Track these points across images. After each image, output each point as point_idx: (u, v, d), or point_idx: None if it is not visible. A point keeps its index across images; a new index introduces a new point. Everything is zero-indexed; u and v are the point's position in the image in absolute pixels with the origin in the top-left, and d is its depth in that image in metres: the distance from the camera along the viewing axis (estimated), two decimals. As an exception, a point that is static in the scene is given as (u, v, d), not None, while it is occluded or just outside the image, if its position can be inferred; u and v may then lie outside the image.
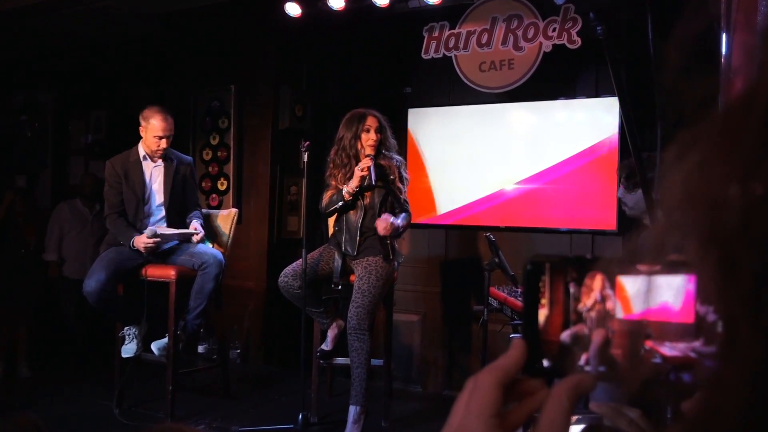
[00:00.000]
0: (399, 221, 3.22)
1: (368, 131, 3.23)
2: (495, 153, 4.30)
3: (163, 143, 3.51)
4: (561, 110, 4.17)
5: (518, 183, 4.22)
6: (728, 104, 0.30)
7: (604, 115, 3.98)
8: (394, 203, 3.30)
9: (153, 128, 3.47)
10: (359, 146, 3.23)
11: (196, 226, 3.59)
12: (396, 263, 3.42)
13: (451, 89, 4.48)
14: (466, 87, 4.30)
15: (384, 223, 3.15)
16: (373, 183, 3.14)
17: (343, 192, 3.21)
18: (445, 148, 4.45)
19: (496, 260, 3.19)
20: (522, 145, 4.23)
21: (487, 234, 3.31)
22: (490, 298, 3.30)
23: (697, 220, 0.31)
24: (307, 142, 3.30)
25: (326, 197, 3.33)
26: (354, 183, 3.18)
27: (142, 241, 3.40)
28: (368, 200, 3.27)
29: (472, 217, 4.34)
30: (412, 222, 4.32)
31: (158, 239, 3.41)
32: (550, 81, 4.11)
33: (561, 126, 4.16)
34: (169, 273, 3.43)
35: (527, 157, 4.20)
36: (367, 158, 3.16)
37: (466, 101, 4.39)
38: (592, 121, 4.05)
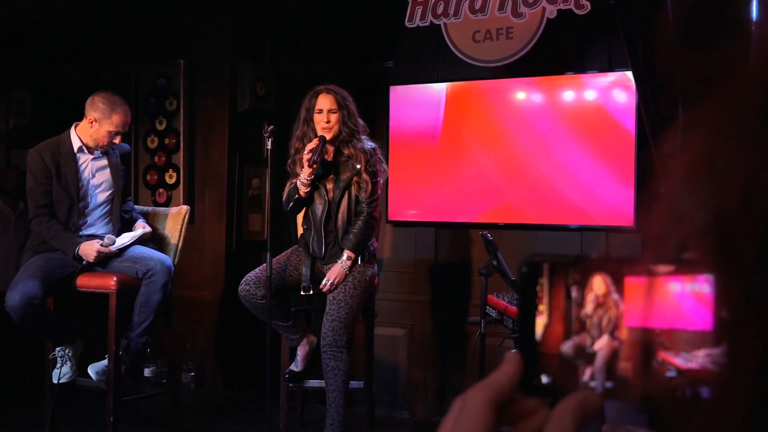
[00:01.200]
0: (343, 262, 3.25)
1: (320, 112, 3.25)
2: (492, 137, 4.33)
3: (118, 139, 3.55)
4: (568, 87, 4.20)
5: (519, 172, 4.25)
6: (736, 79, 0.31)
7: (619, 92, 4.01)
8: (356, 201, 3.31)
9: (109, 122, 3.48)
10: (312, 130, 3.27)
11: (142, 224, 3.61)
12: (376, 267, 3.45)
13: (439, 63, 4.49)
14: (457, 60, 4.32)
15: (333, 278, 3.23)
16: (316, 166, 3.16)
17: (297, 183, 3.24)
18: (433, 131, 4.47)
19: (495, 263, 3.23)
20: (523, 128, 4.25)
21: (484, 233, 3.33)
22: (488, 307, 3.33)
23: (701, 206, 0.32)
24: (271, 126, 3.31)
25: (287, 190, 3.36)
26: (305, 171, 3.19)
27: (94, 249, 3.40)
28: (331, 193, 3.30)
29: (465, 213, 4.38)
30: (396, 220, 4.46)
31: (114, 250, 3.45)
32: (555, 53, 4.14)
33: (569, 105, 4.19)
34: (108, 283, 3.43)
35: (529, 142, 4.23)
36: (315, 139, 3.19)
37: (458, 77, 4.40)
38: (605, 100, 4.09)
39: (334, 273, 3.23)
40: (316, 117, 3.25)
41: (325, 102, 3.25)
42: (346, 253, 3.26)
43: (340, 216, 3.31)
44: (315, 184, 3.28)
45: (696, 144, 0.33)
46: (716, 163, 0.32)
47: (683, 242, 0.36)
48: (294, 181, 3.30)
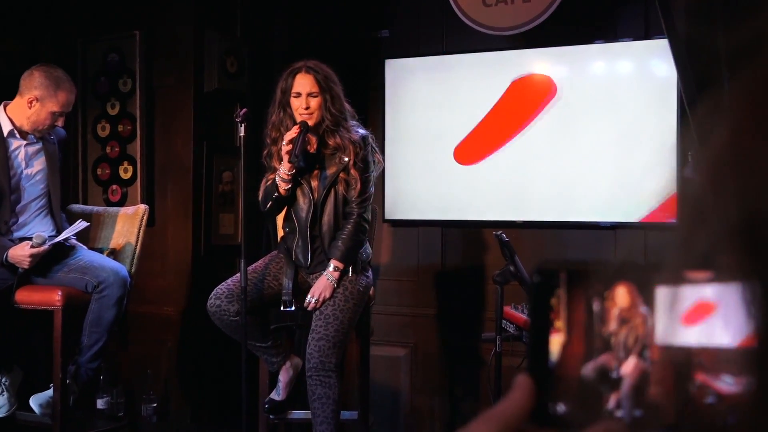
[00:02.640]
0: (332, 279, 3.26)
1: (298, 96, 3.25)
2: (507, 120, 4.33)
3: (61, 122, 3.56)
4: (598, 58, 4.21)
5: (541, 159, 4.27)
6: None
7: (657, 64, 4.01)
8: (344, 199, 3.32)
9: (54, 101, 3.49)
10: (289, 117, 3.27)
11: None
12: (370, 275, 3.46)
13: (444, 31, 4.50)
14: (465, 28, 4.31)
15: (318, 294, 3.24)
16: (298, 159, 3.17)
17: (276, 179, 3.23)
18: (437, 114, 4.47)
19: (512, 269, 3.24)
20: (545, 108, 4.24)
21: (499, 233, 3.35)
22: (504, 321, 3.35)
23: (730, 203, 0.32)
24: (244, 110, 3.31)
25: (263, 187, 3.36)
26: (285, 166, 3.20)
27: (26, 253, 3.38)
28: (316, 192, 3.31)
29: (477, 209, 4.39)
30: (394, 219, 4.50)
31: (47, 247, 3.42)
32: (581, 18, 4.15)
33: (598, 80, 4.19)
34: (52, 298, 3.41)
35: (552, 124, 4.24)
36: (295, 126, 3.19)
37: (466, 48, 4.40)
38: (641, 73, 4.09)
39: (318, 288, 3.24)
40: (294, 102, 3.25)
41: (303, 83, 3.24)
42: (332, 264, 3.26)
43: (325, 219, 3.31)
44: (297, 179, 3.28)
45: (723, 131, 0.33)
46: (745, 153, 0.32)
47: (713, 245, 0.36)
48: (271, 177, 3.30)
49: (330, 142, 3.29)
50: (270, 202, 3.30)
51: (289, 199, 3.32)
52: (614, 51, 4.15)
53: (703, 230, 0.36)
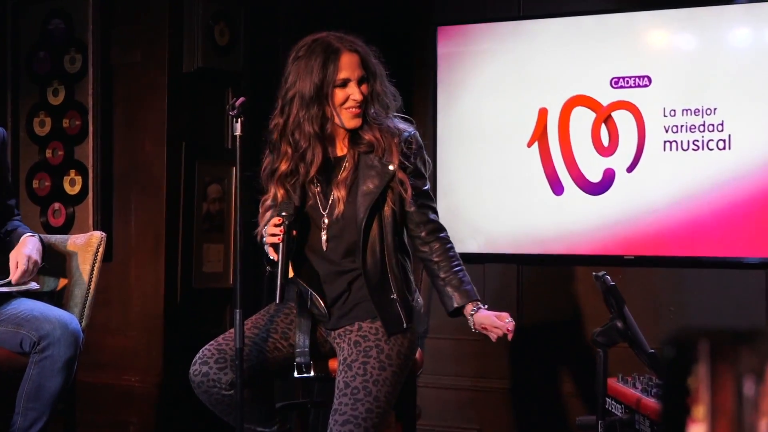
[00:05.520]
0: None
1: (345, 85, 3.26)
2: (607, 110, 4.32)
3: None
4: (741, 25, 4.20)
5: (655, 168, 4.25)
6: None
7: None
8: (402, 217, 3.35)
9: None
10: (330, 116, 3.28)
11: (30, 255, 3.59)
12: (417, 333, 3.47)
13: (521, -12, 4.56)
14: (551, -17, 4.37)
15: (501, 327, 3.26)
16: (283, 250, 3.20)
17: (265, 241, 3.26)
18: (509, 103, 4.45)
19: (619, 325, 3.22)
20: (662, 94, 4.24)
21: (601, 274, 3.34)
22: (608, 399, 3.35)
23: None
24: (241, 98, 3.24)
25: (261, 219, 3.38)
26: (268, 249, 3.25)
27: None
28: (341, 206, 3.31)
29: (567, 239, 4.40)
30: None
31: None
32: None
33: (739, 53, 4.18)
34: (-30, 361, 3.43)
35: (676, 118, 4.22)
36: (276, 218, 3.21)
37: (552, 10, 4.44)
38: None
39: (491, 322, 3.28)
40: (339, 94, 3.26)
41: (351, 65, 3.26)
42: (471, 307, 3.33)
43: (370, 251, 3.31)
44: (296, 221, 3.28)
45: None
46: None
47: None
48: (269, 203, 3.35)
49: (366, 137, 3.31)
50: (268, 266, 3.34)
51: (295, 247, 3.34)
52: (763, 14, 4.14)
53: None
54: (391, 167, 3.28)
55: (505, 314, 3.26)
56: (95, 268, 3.87)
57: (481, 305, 3.31)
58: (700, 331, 0.50)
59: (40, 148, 4.94)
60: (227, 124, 4.49)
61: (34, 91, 4.96)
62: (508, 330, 3.22)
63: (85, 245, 3.90)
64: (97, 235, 3.94)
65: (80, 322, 3.69)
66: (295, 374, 3.31)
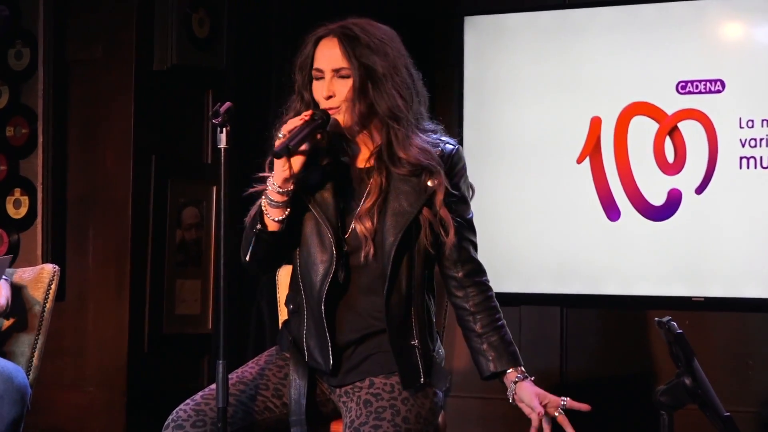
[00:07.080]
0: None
1: (319, 76, 3.15)
2: (669, 116, 4.47)
3: None
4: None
5: (732, 192, 4.35)
6: None
7: None
8: (437, 248, 3.14)
9: None
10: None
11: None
12: (441, 391, 3.24)
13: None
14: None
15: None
16: (288, 148, 2.97)
17: (263, 203, 3.03)
18: (553, 108, 4.57)
19: (687, 382, 2.97)
20: (741, 103, 4.34)
21: (665, 319, 3.10)
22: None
23: None
24: (227, 104, 3.06)
25: (251, 214, 3.23)
26: (278, 172, 3.02)
27: None
28: (365, 231, 3.12)
29: (623, 276, 4.45)
30: None
31: None
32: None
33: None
34: None
35: (754, 130, 4.34)
36: (308, 111, 3.06)
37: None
38: None
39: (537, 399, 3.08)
40: (316, 85, 3.13)
41: (324, 55, 3.12)
42: (514, 374, 3.08)
43: (396, 291, 3.08)
44: (302, 203, 3.07)
45: None
46: None
47: None
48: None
49: (401, 155, 3.10)
50: (252, 244, 3.07)
51: (287, 240, 3.09)
52: None
53: None
54: (429, 183, 3.09)
55: (555, 399, 3.06)
56: (46, 309, 3.85)
57: (526, 373, 3.15)
58: None
59: (-22, 163, 4.98)
60: (207, 134, 4.50)
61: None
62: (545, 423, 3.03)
63: (33, 281, 3.89)
64: (49, 269, 3.88)
65: (27, 375, 3.69)
66: (290, 441, 3.17)
